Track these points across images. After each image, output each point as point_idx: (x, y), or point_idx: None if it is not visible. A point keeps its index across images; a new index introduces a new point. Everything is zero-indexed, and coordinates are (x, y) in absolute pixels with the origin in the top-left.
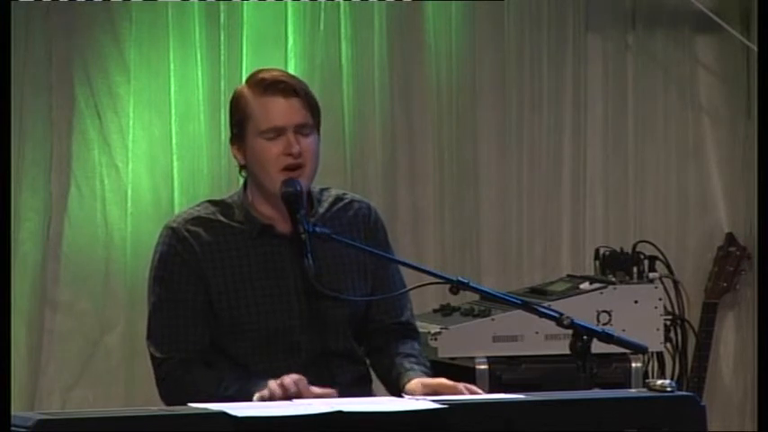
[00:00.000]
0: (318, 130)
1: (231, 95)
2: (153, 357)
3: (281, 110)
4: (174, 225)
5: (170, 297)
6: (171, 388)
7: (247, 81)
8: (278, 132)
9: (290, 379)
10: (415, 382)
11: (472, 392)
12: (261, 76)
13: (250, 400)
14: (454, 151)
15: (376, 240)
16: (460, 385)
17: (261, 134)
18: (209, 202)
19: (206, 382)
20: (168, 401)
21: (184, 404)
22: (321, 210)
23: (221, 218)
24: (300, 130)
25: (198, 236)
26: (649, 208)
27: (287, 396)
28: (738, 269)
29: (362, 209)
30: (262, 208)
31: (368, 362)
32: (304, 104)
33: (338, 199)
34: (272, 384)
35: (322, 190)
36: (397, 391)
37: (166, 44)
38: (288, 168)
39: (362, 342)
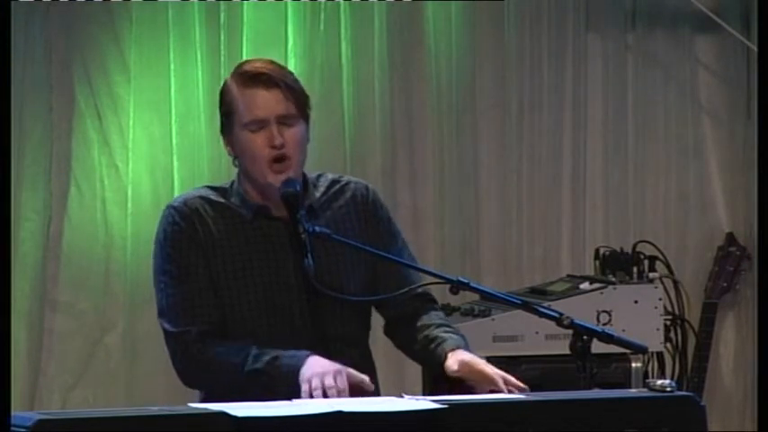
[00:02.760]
0: (306, 119)
1: (221, 86)
2: (168, 333)
3: (262, 102)
4: (176, 204)
5: (181, 272)
6: (190, 361)
7: (233, 72)
8: (260, 124)
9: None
10: (456, 360)
11: (510, 385)
12: (244, 68)
13: (281, 375)
14: (454, 151)
15: (376, 219)
16: (498, 380)
17: (245, 126)
18: (208, 186)
19: (230, 354)
20: (187, 376)
21: (204, 378)
22: (317, 194)
23: (221, 199)
24: (283, 120)
25: (199, 214)
26: (649, 208)
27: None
28: (738, 269)
29: (360, 189)
30: (254, 195)
31: (393, 341)
32: (286, 95)
33: (334, 182)
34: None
35: (318, 176)
36: (436, 362)
37: (166, 44)
38: (274, 160)
39: (383, 321)
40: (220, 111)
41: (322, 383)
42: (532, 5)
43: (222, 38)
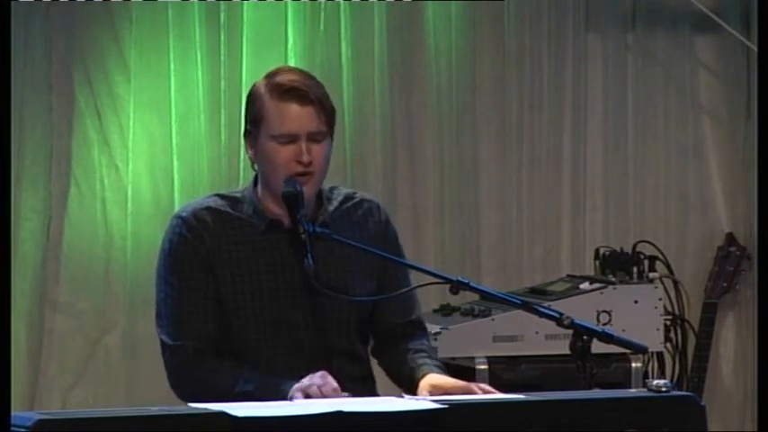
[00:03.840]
0: (332, 135)
1: (249, 89)
2: (164, 345)
3: (296, 117)
4: (184, 215)
5: (182, 285)
6: (185, 376)
7: (267, 80)
8: (291, 139)
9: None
10: (426, 384)
11: (486, 392)
12: (279, 80)
13: (269, 398)
14: (454, 151)
15: (387, 240)
16: (474, 386)
17: (274, 138)
18: (218, 195)
19: (223, 374)
20: (181, 390)
21: (198, 394)
22: (331, 208)
23: (230, 210)
24: (313, 137)
25: (207, 226)
26: (649, 208)
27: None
28: (738, 269)
29: (373, 209)
30: (270, 205)
31: (376, 361)
32: (319, 112)
33: (348, 198)
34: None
35: (332, 188)
36: (410, 386)
37: (166, 44)
38: (297, 175)
39: (372, 341)
40: (246, 116)
41: (310, 380)
42: (532, 5)
43: (222, 38)
